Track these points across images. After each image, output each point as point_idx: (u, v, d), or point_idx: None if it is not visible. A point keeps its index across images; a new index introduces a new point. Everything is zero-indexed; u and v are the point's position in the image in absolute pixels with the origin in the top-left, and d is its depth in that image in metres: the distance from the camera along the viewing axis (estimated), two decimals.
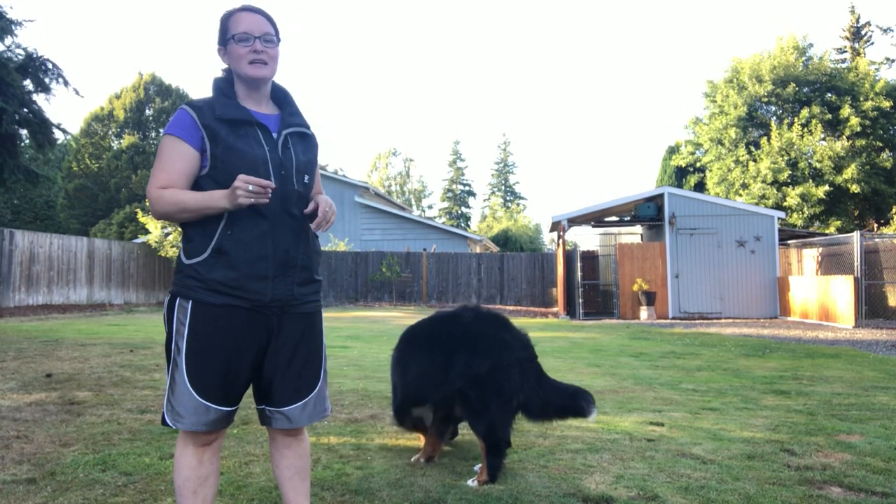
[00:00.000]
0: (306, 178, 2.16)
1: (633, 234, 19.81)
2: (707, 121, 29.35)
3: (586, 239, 20.62)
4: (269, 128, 2.11)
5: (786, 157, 25.05)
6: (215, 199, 1.98)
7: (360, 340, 9.60)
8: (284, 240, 2.06)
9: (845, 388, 5.68)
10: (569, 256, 18.33)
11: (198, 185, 2.06)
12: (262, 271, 2.03)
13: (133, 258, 19.84)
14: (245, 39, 2.08)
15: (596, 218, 18.39)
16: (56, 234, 17.75)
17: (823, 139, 25.34)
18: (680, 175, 31.78)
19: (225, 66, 2.17)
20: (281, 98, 2.25)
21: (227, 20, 2.13)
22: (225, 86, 2.15)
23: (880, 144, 25.23)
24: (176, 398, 2.02)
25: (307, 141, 2.22)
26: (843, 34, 30.94)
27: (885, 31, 27.73)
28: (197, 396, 2.00)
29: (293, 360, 2.12)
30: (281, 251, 2.06)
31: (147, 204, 19.26)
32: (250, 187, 1.92)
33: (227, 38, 2.12)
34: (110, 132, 29.48)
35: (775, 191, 24.99)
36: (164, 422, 2.05)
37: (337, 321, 13.75)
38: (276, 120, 2.17)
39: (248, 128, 2.07)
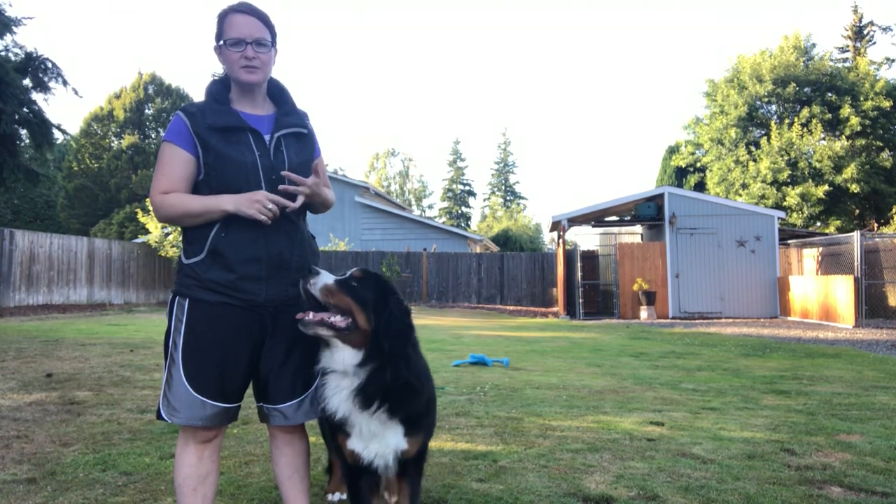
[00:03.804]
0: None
1: (633, 234, 19.79)
2: (707, 121, 29.35)
3: (586, 239, 20.61)
4: (260, 132, 2.11)
5: (786, 157, 25.05)
6: (221, 202, 2.01)
7: None
8: (278, 242, 2.08)
9: (845, 387, 5.68)
10: (569, 256, 18.32)
11: (196, 190, 2.09)
12: (256, 273, 2.05)
13: (133, 258, 19.83)
14: (237, 45, 2.08)
15: (596, 218, 18.38)
16: (56, 234, 17.74)
17: (823, 139, 25.34)
18: (680, 175, 31.77)
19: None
20: (277, 95, 2.25)
21: (222, 20, 2.13)
22: (217, 91, 2.16)
23: (880, 144, 25.23)
24: (172, 393, 2.04)
25: (302, 141, 2.21)
26: (845, 33, 30.93)
27: (884, 30, 27.72)
28: (192, 392, 2.02)
29: (288, 359, 2.13)
30: (275, 253, 2.07)
31: (147, 204, 19.01)
32: (269, 205, 1.99)
33: (220, 40, 2.12)
34: (110, 132, 29.46)
35: (775, 191, 24.99)
36: (159, 415, 2.07)
37: None
38: (271, 120, 2.17)
39: (239, 134, 2.08)
